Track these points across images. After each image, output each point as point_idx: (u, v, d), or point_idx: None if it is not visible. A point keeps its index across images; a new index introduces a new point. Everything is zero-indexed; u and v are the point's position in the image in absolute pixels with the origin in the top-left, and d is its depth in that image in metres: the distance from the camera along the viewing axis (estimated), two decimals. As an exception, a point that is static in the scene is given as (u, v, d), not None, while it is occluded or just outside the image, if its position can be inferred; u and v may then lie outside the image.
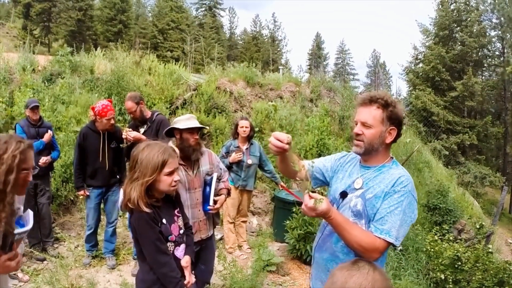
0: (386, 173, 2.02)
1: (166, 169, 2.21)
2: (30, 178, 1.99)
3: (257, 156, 5.68)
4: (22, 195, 2.09)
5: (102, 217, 5.26)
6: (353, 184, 2.08)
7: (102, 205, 5.10)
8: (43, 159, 4.88)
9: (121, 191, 4.77)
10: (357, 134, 2.04)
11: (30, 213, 2.23)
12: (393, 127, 2.01)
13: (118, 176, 4.99)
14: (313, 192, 1.85)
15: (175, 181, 2.27)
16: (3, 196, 1.85)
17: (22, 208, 2.18)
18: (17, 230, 2.05)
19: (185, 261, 2.38)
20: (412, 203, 1.95)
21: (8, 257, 1.89)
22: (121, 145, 4.88)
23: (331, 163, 2.30)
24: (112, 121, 4.70)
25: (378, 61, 59.70)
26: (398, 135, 2.05)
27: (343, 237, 1.92)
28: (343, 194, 2.10)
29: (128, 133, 4.53)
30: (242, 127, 5.52)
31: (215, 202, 3.30)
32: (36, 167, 5.04)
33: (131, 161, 2.27)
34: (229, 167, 5.48)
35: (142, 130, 4.70)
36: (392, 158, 2.12)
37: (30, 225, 2.19)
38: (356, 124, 2.06)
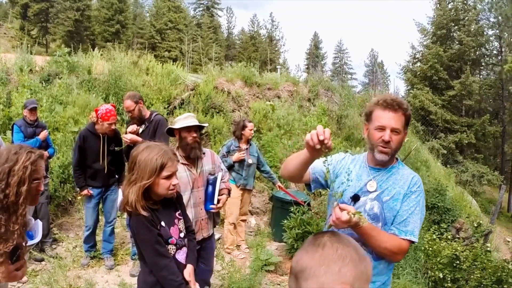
0: (397, 174, 2.04)
1: (164, 173, 2.16)
2: (42, 188, 1.97)
3: (255, 156, 5.74)
4: (34, 205, 2.07)
5: (100, 217, 5.25)
6: (366, 187, 2.03)
7: (100, 206, 5.09)
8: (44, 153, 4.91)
9: (120, 191, 4.78)
10: (387, 142, 1.95)
11: (38, 224, 2.20)
12: (406, 130, 2.05)
13: (116, 176, 4.99)
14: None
15: (173, 185, 2.23)
16: (16, 208, 1.84)
17: (33, 219, 2.16)
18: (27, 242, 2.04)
19: (188, 272, 2.33)
20: (424, 201, 2.03)
21: (15, 267, 1.88)
22: (116, 149, 4.87)
23: (333, 165, 2.24)
24: (113, 126, 4.71)
25: (376, 60, 59.76)
26: None
27: (372, 244, 1.90)
28: (355, 198, 2.03)
29: (125, 136, 4.54)
30: (251, 129, 5.64)
31: (218, 201, 3.32)
32: (47, 176, 5.10)
33: (130, 162, 2.23)
34: (231, 166, 5.51)
35: (140, 130, 4.70)
36: (397, 159, 2.12)
37: (39, 236, 2.17)
38: (383, 129, 1.96)
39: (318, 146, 1.62)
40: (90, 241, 5.05)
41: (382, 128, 1.96)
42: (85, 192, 4.83)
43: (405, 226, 1.93)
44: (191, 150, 3.20)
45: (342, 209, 1.71)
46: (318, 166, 2.25)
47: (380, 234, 1.91)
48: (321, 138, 1.60)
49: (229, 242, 5.77)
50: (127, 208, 2.17)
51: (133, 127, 4.59)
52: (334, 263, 1.00)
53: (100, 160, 4.74)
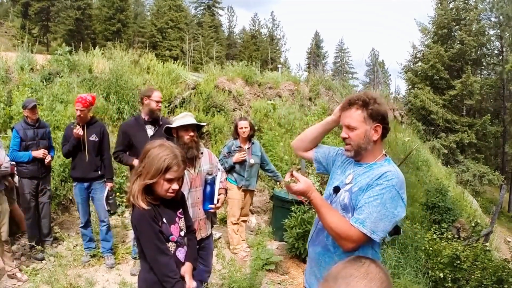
0: (375, 169, 2.04)
1: (168, 175, 2.13)
2: None
3: (258, 155, 5.65)
4: None
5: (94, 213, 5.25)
6: (345, 180, 2.13)
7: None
8: (48, 159, 5.04)
9: (107, 188, 4.87)
10: (344, 138, 2.10)
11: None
12: (378, 124, 2.04)
13: (100, 172, 4.94)
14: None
15: (173, 189, 2.19)
16: None
17: None
18: None
19: (184, 269, 2.32)
20: (395, 198, 1.91)
21: None
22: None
23: (335, 155, 2.35)
24: (79, 113, 4.69)
25: (376, 59, 59.66)
26: (386, 130, 2.07)
27: (322, 221, 2.00)
28: (336, 189, 2.15)
29: (77, 131, 4.65)
30: (242, 128, 5.46)
31: (217, 201, 3.31)
32: (49, 175, 5.15)
33: (143, 153, 2.21)
34: (232, 167, 5.47)
35: (150, 131, 4.61)
36: (385, 155, 2.13)
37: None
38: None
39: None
40: (85, 237, 5.09)
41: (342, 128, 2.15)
42: (77, 130, 4.68)
43: (358, 214, 1.92)
44: (188, 149, 3.16)
45: (292, 176, 2.02)
46: (321, 148, 2.47)
47: (329, 214, 1.96)
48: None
49: (235, 242, 5.70)
50: (132, 199, 2.17)
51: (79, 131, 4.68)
52: (374, 281, 1.15)
53: (81, 148, 4.76)
